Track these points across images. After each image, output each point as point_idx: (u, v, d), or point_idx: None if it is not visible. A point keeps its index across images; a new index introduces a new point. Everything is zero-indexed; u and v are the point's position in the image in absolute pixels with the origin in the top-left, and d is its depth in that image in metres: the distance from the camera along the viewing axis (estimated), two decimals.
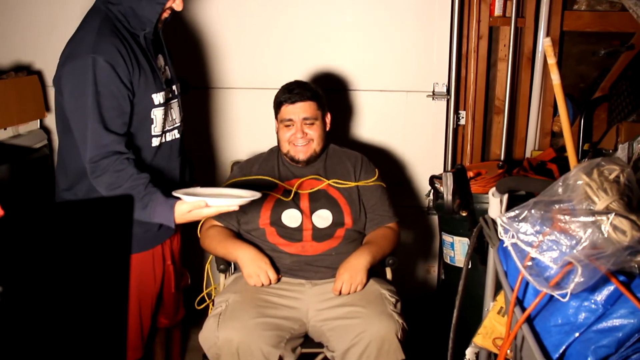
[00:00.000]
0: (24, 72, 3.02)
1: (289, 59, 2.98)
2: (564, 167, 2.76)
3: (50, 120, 3.14)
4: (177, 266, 2.37)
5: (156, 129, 2.08)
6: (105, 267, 0.76)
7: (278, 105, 2.40)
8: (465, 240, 2.61)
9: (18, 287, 0.67)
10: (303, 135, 2.36)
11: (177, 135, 2.20)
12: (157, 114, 2.06)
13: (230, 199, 1.97)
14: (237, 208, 1.97)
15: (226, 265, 2.37)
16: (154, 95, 2.04)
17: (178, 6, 2.03)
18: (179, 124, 2.21)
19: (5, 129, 2.78)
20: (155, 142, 2.09)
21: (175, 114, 2.19)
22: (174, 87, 2.19)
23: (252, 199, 1.98)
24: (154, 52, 2.10)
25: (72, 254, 0.71)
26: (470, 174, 2.59)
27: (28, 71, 3.07)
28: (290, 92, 2.38)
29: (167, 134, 2.15)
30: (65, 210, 0.71)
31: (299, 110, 2.35)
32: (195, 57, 3.05)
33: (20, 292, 0.67)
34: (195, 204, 1.91)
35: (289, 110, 2.36)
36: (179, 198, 1.93)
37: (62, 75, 1.95)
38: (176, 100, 2.20)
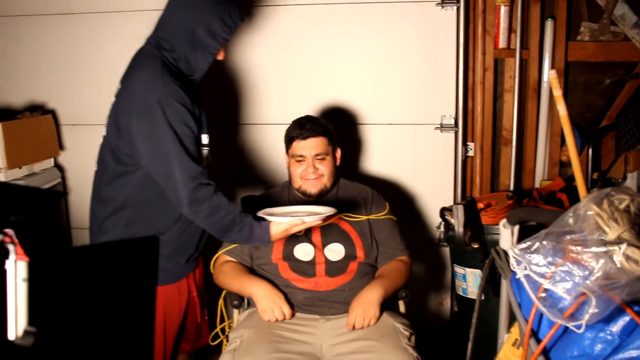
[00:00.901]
0: (38, 111, 3.08)
1: (298, 94, 3.02)
2: (574, 197, 2.76)
3: (64, 158, 3.18)
4: (201, 296, 2.45)
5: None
6: (133, 303, 0.78)
7: (290, 140, 2.43)
8: (477, 271, 2.60)
9: (49, 326, 0.69)
10: (314, 170, 2.38)
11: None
12: (204, 153, 2.18)
13: (315, 215, 2.14)
14: (322, 221, 2.17)
15: (240, 301, 2.37)
16: (203, 135, 2.16)
17: (221, 56, 2.16)
18: (206, 165, 2.27)
19: (20, 167, 2.83)
20: None
21: (204, 160, 2.25)
22: (203, 136, 2.26)
23: (329, 213, 2.16)
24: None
25: (102, 293, 0.73)
26: (481, 205, 2.60)
27: (42, 110, 3.12)
28: (301, 128, 2.41)
29: None
30: (96, 252, 0.73)
31: (311, 146, 2.38)
32: (206, 95, 3.09)
33: (52, 332, 0.69)
34: (292, 223, 2.09)
35: (300, 145, 2.39)
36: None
37: (132, 122, 2.01)
38: (207, 148, 2.25)
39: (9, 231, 0.70)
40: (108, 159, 2.16)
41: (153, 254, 0.81)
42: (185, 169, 1.99)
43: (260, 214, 2.14)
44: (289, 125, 2.49)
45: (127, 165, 2.11)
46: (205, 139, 2.18)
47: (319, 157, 2.39)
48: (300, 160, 2.39)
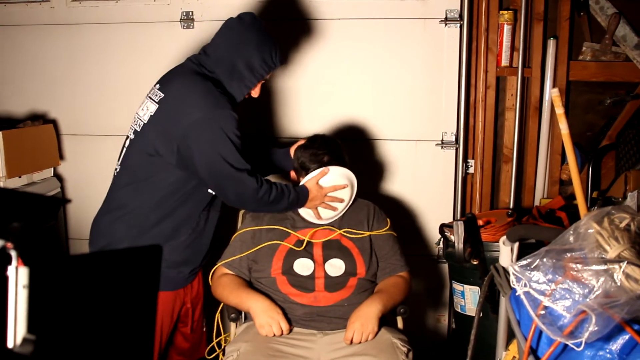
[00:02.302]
0: (39, 120, 3.09)
1: (302, 109, 3.03)
2: (573, 215, 2.77)
3: (64, 168, 3.18)
4: (200, 309, 2.52)
5: None
6: (134, 312, 0.78)
7: (304, 169, 2.42)
8: (476, 288, 2.60)
9: (49, 334, 0.69)
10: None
11: None
12: None
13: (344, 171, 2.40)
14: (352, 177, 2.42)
15: (237, 314, 2.36)
16: None
17: (256, 93, 2.30)
18: None
19: (19, 176, 2.83)
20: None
21: None
22: None
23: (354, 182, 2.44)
24: None
25: (103, 301, 0.73)
26: (480, 222, 2.60)
27: (44, 120, 3.13)
28: (318, 160, 2.41)
29: None
30: (99, 260, 0.73)
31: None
32: None
33: (51, 340, 0.69)
34: (319, 175, 2.34)
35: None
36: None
37: (192, 127, 2.12)
38: None
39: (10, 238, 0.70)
40: (135, 162, 2.24)
41: (156, 263, 0.80)
42: (245, 170, 2.17)
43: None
44: (302, 146, 2.48)
45: (156, 172, 2.21)
46: None
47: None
48: None
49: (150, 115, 2.21)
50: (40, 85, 3.19)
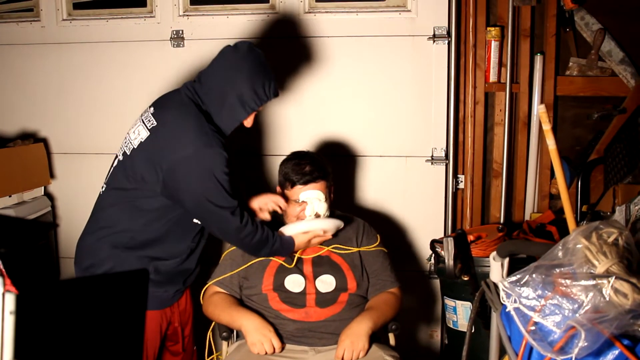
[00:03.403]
0: (30, 139, 3.08)
1: (291, 126, 3.04)
2: (564, 229, 2.78)
3: (55, 186, 3.18)
4: (190, 328, 2.51)
5: None
6: (122, 334, 0.77)
7: (290, 182, 2.42)
8: (468, 304, 2.60)
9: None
10: (313, 213, 2.39)
11: None
12: None
13: (334, 221, 2.38)
14: (342, 224, 2.40)
15: (229, 333, 2.35)
16: None
17: (249, 123, 2.25)
18: None
19: (10, 196, 2.82)
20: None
21: None
22: None
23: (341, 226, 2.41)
24: None
25: (91, 325, 0.73)
26: (471, 237, 2.61)
27: (34, 139, 3.12)
28: (302, 172, 2.40)
29: None
30: (87, 285, 0.73)
31: (311, 192, 2.39)
32: None
33: None
34: (314, 232, 2.32)
35: (301, 192, 2.39)
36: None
37: (181, 162, 2.10)
38: None
39: None
40: (121, 184, 2.22)
41: (143, 287, 0.80)
42: (230, 208, 2.15)
43: (283, 230, 2.36)
44: (285, 159, 2.48)
45: (141, 197, 2.19)
46: None
47: (318, 202, 2.39)
48: (300, 204, 2.40)
49: (141, 142, 2.18)
50: (31, 104, 3.19)
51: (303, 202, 2.39)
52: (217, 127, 2.18)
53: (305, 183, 2.39)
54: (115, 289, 0.77)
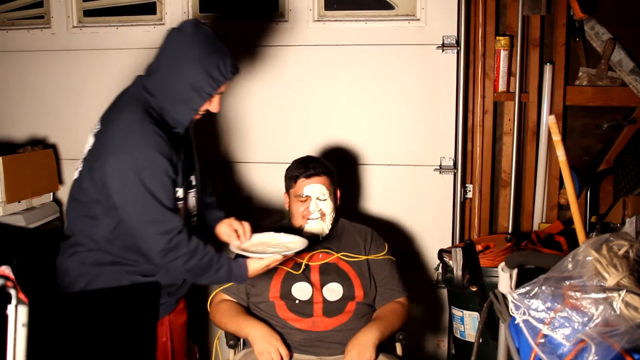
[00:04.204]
0: (39, 145, 3.09)
1: (299, 134, 3.04)
2: (572, 240, 2.75)
3: (64, 192, 3.18)
4: (181, 341, 2.31)
5: None
6: (132, 347, 0.77)
7: (293, 179, 2.43)
8: (475, 314, 2.59)
9: None
10: (317, 210, 2.38)
11: (190, 224, 2.16)
12: (179, 206, 2.05)
13: (292, 251, 2.14)
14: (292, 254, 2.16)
15: (236, 341, 2.35)
16: (177, 189, 2.03)
17: (215, 108, 2.05)
18: (193, 213, 2.18)
19: (19, 201, 2.83)
20: None
21: (192, 204, 2.16)
22: (191, 177, 2.16)
23: (304, 246, 2.17)
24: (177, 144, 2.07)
25: (101, 337, 0.72)
26: (479, 247, 2.60)
27: (43, 145, 3.14)
28: (305, 167, 2.41)
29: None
30: (98, 297, 0.72)
31: (314, 185, 2.38)
32: (203, 132, 3.11)
33: None
34: (271, 259, 2.08)
35: (304, 185, 2.39)
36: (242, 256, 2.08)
37: (106, 163, 1.91)
38: (194, 190, 2.17)
39: (11, 275, 0.70)
40: (78, 197, 2.06)
41: (154, 299, 0.80)
42: (156, 224, 1.91)
43: (233, 248, 2.14)
44: (289, 165, 2.49)
45: (96, 210, 2.01)
46: (179, 192, 2.03)
47: (321, 199, 2.39)
48: (304, 200, 2.39)
49: (89, 150, 2.04)
50: (41, 110, 3.21)
51: (307, 197, 2.38)
52: (170, 122, 1.99)
53: (309, 177, 2.39)
54: (125, 301, 0.77)
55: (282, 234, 2.27)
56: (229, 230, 2.23)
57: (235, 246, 2.15)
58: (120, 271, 2.03)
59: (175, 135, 2.03)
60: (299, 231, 2.38)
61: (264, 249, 2.15)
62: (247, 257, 2.09)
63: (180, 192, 2.04)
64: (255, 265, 2.07)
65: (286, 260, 2.35)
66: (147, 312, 0.74)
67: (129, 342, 0.69)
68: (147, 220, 1.91)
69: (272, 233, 2.28)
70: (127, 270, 2.03)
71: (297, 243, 2.19)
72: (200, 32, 1.96)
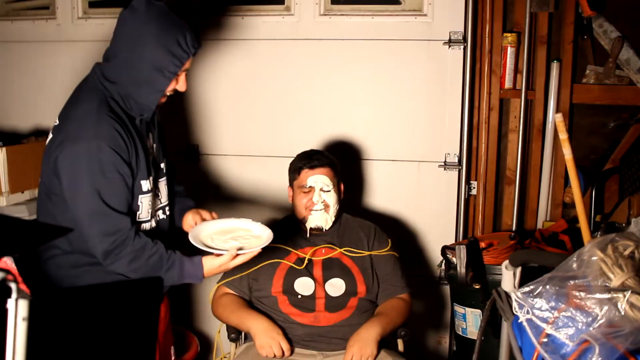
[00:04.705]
0: (44, 136, 3.08)
1: (304, 128, 3.03)
2: (577, 239, 2.75)
3: None
4: (167, 333, 2.25)
5: (142, 215, 1.98)
6: (134, 343, 0.77)
7: (297, 170, 2.42)
8: (478, 311, 2.58)
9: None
10: (321, 201, 2.37)
11: (163, 216, 2.10)
12: (143, 200, 1.97)
13: (254, 247, 1.96)
14: (260, 251, 1.98)
15: (237, 334, 2.35)
16: (142, 182, 1.95)
17: (182, 87, 1.95)
18: (165, 203, 2.11)
19: (22, 192, 2.82)
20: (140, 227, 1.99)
21: (162, 194, 2.09)
22: (162, 166, 2.10)
23: (269, 241, 1.99)
24: (145, 130, 2.00)
25: (102, 334, 0.72)
26: (482, 244, 2.59)
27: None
28: (309, 158, 2.42)
29: (152, 219, 2.04)
30: (99, 292, 0.72)
31: (318, 176, 2.37)
32: (208, 124, 3.11)
33: None
34: (228, 257, 1.91)
35: (308, 175, 2.38)
36: (201, 252, 1.92)
37: (59, 157, 1.84)
38: (164, 179, 2.09)
39: (12, 267, 0.69)
40: (42, 197, 2.00)
41: (156, 295, 0.80)
42: (105, 218, 1.83)
43: (191, 239, 1.96)
44: (293, 158, 2.49)
45: (59, 209, 1.92)
46: (145, 185, 1.95)
47: (325, 190, 2.38)
48: (307, 191, 2.38)
49: (47, 145, 1.95)
50: (45, 101, 3.20)
51: (310, 187, 2.38)
52: (135, 109, 1.91)
53: (313, 167, 2.39)
54: (128, 296, 0.77)
55: (258, 224, 2.09)
56: (193, 220, 2.12)
57: (191, 236, 1.98)
58: (100, 271, 1.93)
59: (141, 123, 1.96)
60: (287, 226, 2.34)
61: (226, 240, 1.99)
62: (203, 253, 1.94)
63: (147, 184, 1.96)
64: (211, 264, 1.92)
65: (288, 255, 2.36)
66: (149, 308, 0.73)
67: (129, 339, 0.69)
68: (92, 218, 1.83)
69: (245, 220, 2.10)
70: (107, 270, 1.92)
71: (262, 239, 2.01)
72: (154, 8, 1.85)
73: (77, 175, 1.82)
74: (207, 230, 2.04)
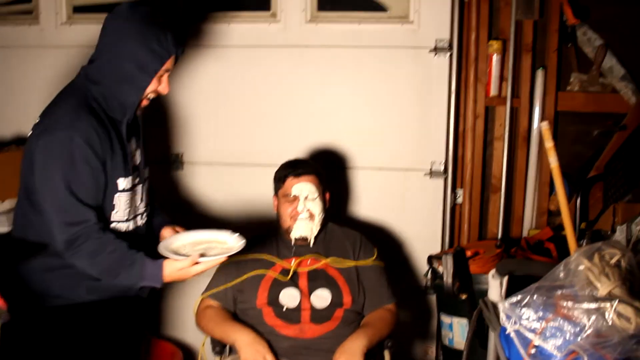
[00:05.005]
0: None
1: (289, 136, 3.01)
2: (562, 246, 2.75)
3: None
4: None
5: (117, 214, 2.00)
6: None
7: (281, 179, 2.40)
8: (464, 321, 2.57)
9: None
10: (306, 209, 2.35)
11: (140, 222, 2.11)
12: (120, 200, 1.99)
13: (219, 256, 1.94)
14: (225, 259, 1.96)
15: (222, 347, 2.32)
16: (119, 180, 1.97)
17: (164, 89, 2.00)
18: (143, 210, 2.13)
19: (2, 201, 2.78)
20: (115, 226, 2.00)
21: (140, 200, 2.11)
22: (142, 172, 2.12)
23: (238, 250, 1.98)
24: (128, 135, 2.03)
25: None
26: (468, 253, 2.58)
27: None
28: (294, 167, 2.40)
29: (130, 221, 2.06)
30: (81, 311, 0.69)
31: (303, 184, 2.35)
32: (192, 132, 3.08)
33: None
34: (186, 263, 1.89)
35: (293, 184, 2.36)
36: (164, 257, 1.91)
37: (35, 148, 1.88)
38: (141, 185, 2.11)
39: None
40: (20, 196, 2.02)
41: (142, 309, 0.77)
42: (70, 207, 1.86)
43: (164, 252, 1.95)
44: (278, 168, 2.47)
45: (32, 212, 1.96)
46: (122, 183, 1.98)
47: (310, 198, 2.36)
48: (292, 200, 2.36)
49: (26, 144, 1.99)
50: (27, 108, 3.14)
51: (295, 196, 2.35)
52: (118, 109, 1.94)
53: (297, 175, 2.37)
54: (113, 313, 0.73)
55: (235, 235, 2.06)
56: (169, 235, 2.14)
57: (162, 245, 1.99)
58: (73, 276, 1.95)
59: (125, 125, 1.98)
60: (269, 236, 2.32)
61: (196, 250, 1.97)
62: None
63: (124, 183, 1.98)
64: (172, 267, 1.90)
65: (273, 266, 2.33)
66: (131, 327, 0.71)
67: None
68: (57, 208, 1.86)
69: (222, 232, 2.08)
70: (80, 273, 1.94)
71: (232, 249, 1.99)
72: (137, 10, 1.92)
73: (48, 165, 1.86)
74: (181, 241, 2.05)
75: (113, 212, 1.98)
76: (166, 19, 1.95)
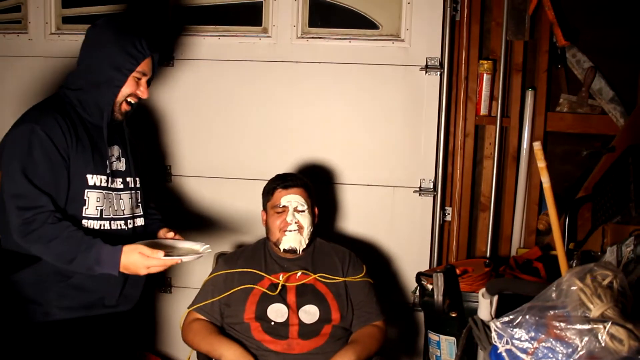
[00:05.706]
0: None
1: (278, 151, 3.01)
2: (551, 266, 2.75)
3: None
4: None
5: (88, 210, 2.04)
6: None
7: (270, 191, 2.40)
8: (452, 339, 2.55)
9: None
10: (295, 222, 2.33)
11: (125, 227, 2.14)
12: (90, 195, 2.05)
13: (175, 257, 1.99)
14: (180, 261, 2.00)
15: None
16: (89, 176, 2.04)
17: (143, 94, 2.11)
18: (128, 216, 2.16)
19: None
20: (87, 224, 2.04)
21: (125, 205, 2.15)
22: (128, 180, 2.18)
23: (193, 258, 2.03)
24: (109, 141, 2.11)
25: None
26: (457, 271, 2.56)
27: None
28: (283, 179, 2.40)
29: (112, 222, 2.10)
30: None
31: (292, 196, 2.35)
32: (181, 145, 3.06)
33: None
34: (147, 251, 1.93)
35: (282, 196, 2.35)
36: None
37: (3, 144, 2.01)
38: (129, 193, 2.17)
39: None
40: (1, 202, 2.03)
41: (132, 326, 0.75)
42: (27, 194, 1.91)
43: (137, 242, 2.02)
44: (267, 182, 2.45)
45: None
46: (92, 179, 2.05)
47: (299, 210, 2.35)
48: (280, 212, 2.35)
49: None
50: (14, 117, 3.10)
51: (284, 207, 2.34)
52: (94, 112, 2.05)
53: (286, 187, 2.37)
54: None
55: (206, 246, 2.10)
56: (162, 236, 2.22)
57: (139, 242, 2.04)
58: (64, 286, 2.02)
59: (103, 129, 2.07)
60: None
61: (172, 254, 2.03)
62: None
63: (94, 179, 2.05)
64: (129, 253, 1.93)
65: (261, 280, 2.31)
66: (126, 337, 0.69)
67: None
68: (14, 194, 1.93)
69: (202, 245, 2.10)
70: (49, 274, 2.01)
71: (197, 247, 2.08)
72: (113, 22, 2.09)
73: (10, 156, 1.96)
74: (160, 242, 2.12)
75: (84, 208, 2.04)
76: (142, 28, 2.11)
